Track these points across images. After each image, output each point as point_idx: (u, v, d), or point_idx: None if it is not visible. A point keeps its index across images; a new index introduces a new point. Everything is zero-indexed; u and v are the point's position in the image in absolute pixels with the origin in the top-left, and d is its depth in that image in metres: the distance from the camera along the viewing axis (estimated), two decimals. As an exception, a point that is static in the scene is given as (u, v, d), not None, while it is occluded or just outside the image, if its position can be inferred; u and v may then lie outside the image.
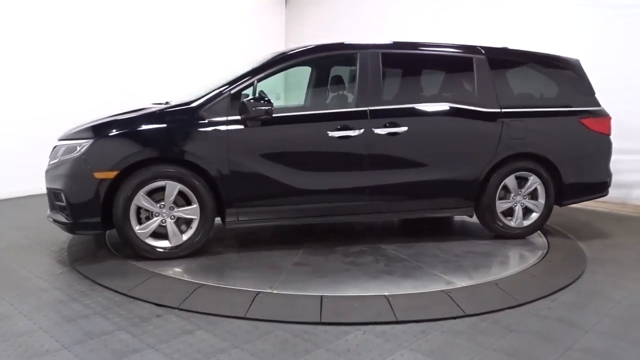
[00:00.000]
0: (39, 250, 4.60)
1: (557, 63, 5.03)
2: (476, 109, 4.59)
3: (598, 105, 5.02)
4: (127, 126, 4.16)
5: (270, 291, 3.56)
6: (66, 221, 4.13)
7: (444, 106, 4.58)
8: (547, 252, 4.53)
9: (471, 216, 4.73)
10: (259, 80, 4.31)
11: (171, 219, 4.18)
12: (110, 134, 4.11)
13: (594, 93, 5.02)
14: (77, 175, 4.03)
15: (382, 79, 4.47)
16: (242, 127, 4.18)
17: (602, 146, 4.99)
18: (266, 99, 4.12)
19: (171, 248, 4.19)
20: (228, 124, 4.17)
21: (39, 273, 4.00)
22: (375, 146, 4.37)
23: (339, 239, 4.88)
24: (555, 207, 4.94)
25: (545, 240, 4.84)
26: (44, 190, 4.37)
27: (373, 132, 4.33)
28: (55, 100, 7.29)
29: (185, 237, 4.22)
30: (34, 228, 5.34)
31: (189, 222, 4.24)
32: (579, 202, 5.18)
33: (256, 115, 4.10)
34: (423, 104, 4.61)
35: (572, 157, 4.82)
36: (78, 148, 4.06)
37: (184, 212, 4.20)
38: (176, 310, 3.33)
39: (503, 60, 4.87)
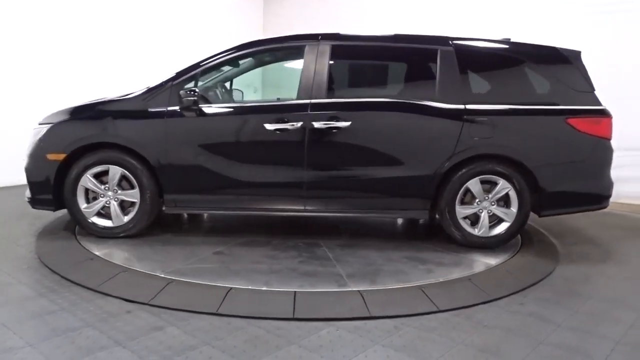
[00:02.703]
0: (4, 244, 4.47)
1: (550, 56, 4.55)
2: (432, 104, 4.31)
3: (596, 103, 4.43)
4: (78, 114, 4.56)
5: (163, 276, 3.67)
6: (29, 196, 4.59)
7: (393, 101, 4.44)
8: (520, 248, 4.58)
9: (426, 220, 4.54)
10: (203, 73, 4.54)
11: (115, 200, 4.48)
12: (63, 120, 4.51)
13: (592, 90, 4.46)
14: (35, 156, 4.50)
15: (328, 72, 4.41)
16: (180, 117, 4.36)
17: (595, 151, 4.39)
18: (194, 90, 4.25)
19: (113, 228, 4.52)
20: (168, 114, 4.35)
21: (4, 267, 3.87)
22: (315, 140, 4.32)
23: (287, 232, 4.85)
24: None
25: (519, 236, 4.83)
26: (15, 183, 4.62)
27: (312, 125, 4.29)
28: (40, 91, 7.33)
29: (126, 218, 4.51)
30: (1, 222, 5.20)
31: (135, 205, 4.51)
32: (564, 213, 4.72)
33: (187, 105, 4.29)
34: (370, 99, 4.51)
35: (553, 162, 4.34)
36: (40, 132, 4.49)
37: (126, 195, 4.49)
38: (146, 306, 3.25)
39: (477, 52, 4.57)
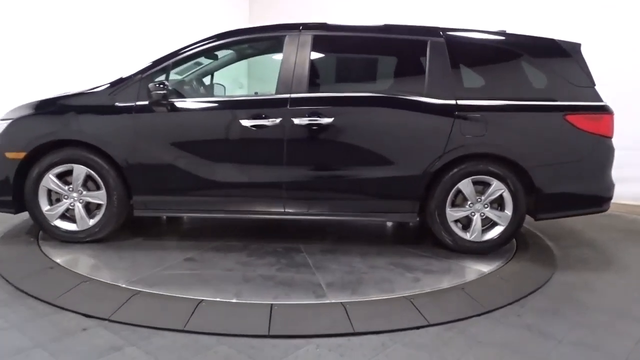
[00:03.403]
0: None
1: (548, 48, 4.25)
2: (422, 100, 4.01)
3: (597, 99, 4.13)
4: (39, 109, 4.21)
5: (127, 287, 3.31)
6: None
7: (379, 96, 4.14)
8: (515, 253, 4.30)
9: (415, 224, 4.22)
10: (176, 65, 4.25)
11: (80, 202, 4.15)
12: (23, 116, 4.17)
13: (592, 85, 4.15)
14: None
15: (310, 65, 4.09)
16: (149, 113, 4.05)
17: (596, 150, 4.12)
18: (164, 83, 3.94)
19: (77, 232, 4.18)
20: (136, 109, 4.05)
21: (-49, 279, 3.53)
22: (295, 138, 4.01)
23: (265, 236, 4.52)
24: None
25: (513, 240, 4.55)
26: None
27: (292, 122, 3.98)
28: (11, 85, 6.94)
29: (92, 222, 4.17)
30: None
31: (101, 207, 4.18)
32: (562, 216, 4.45)
33: (156, 100, 3.97)
34: (354, 94, 4.19)
35: (550, 161, 4.06)
36: (1, 128, 4.18)
37: (92, 196, 4.15)
38: (106, 322, 2.93)
39: (470, 44, 4.25)
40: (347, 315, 3.02)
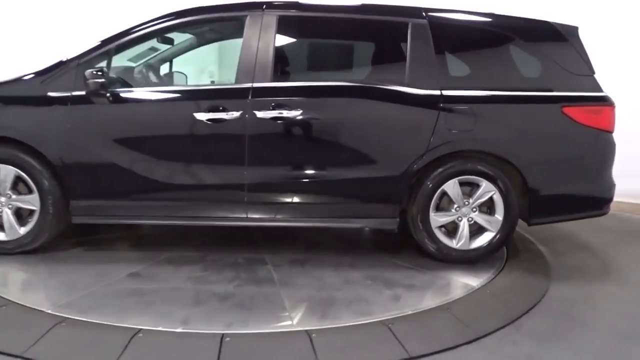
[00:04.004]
0: None
1: (542, 31, 3.80)
2: (401, 89, 3.53)
3: (597, 89, 3.69)
4: None
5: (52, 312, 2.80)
6: None
7: (353, 85, 3.64)
8: (505, 262, 3.83)
9: (395, 230, 3.70)
10: (119, 49, 3.65)
11: (9, 208, 3.59)
12: None
13: (592, 73, 3.70)
14: None
15: (274, 50, 3.56)
16: (88, 105, 3.49)
17: (596, 146, 3.69)
18: (102, 70, 3.39)
19: (5, 242, 3.61)
20: (73, 100, 3.48)
21: None
22: (258, 134, 3.50)
23: (227, 245, 3.99)
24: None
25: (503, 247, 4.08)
26: None
27: (254, 115, 3.46)
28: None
29: (23, 230, 3.60)
30: None
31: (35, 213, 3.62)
32: (558, 220, 4.00)
33: (93, 89, 3.40)
34: (325, 83, 3.67)
35: (545, 159, 3.62)
36: None
37: (22, 201, 3.60)
38: (19, 359, 2.40)
39: (456, 27, 3.76)
40: (313, 348, 2.52)
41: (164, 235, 4.18)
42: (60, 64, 3.56)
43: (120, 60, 4.09)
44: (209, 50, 5.41)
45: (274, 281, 3.32)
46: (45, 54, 4.59)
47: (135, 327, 2.65)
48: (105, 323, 2.70)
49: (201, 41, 4.63)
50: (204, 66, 6.84)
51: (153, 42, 4.71)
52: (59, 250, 3.72)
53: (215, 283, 3.26)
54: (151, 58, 4.70)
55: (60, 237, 3.78)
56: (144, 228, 4.35)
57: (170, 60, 4.83)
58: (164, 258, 3.64)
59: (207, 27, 4.27)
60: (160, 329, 2.66)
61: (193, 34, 4.57)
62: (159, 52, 4.82)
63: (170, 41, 4.43)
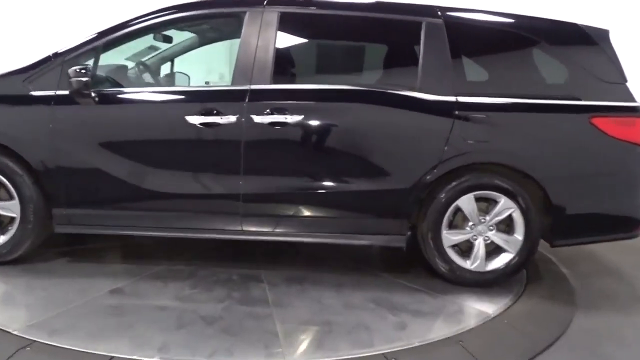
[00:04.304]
0: None
1: (569, 35, 3.45)
2: (413, 95, 3.22)
3: (629, 99, 3.31)
4: None
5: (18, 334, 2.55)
6: None
7: (360, 90, 3.36)
8: (525, 286, 3.47)
9: (403, 248, 3.39)
10: (108, 45, 3.38)
11: None
12: None
13: (624, 81, 3.32)
14: None
15: (275, 49, 3.27)
16: (73, 105, 3.23)
17: (627, 161, 3.31)
18: (86, 68, 3.12)
19: None
20: (57, 101, 3.22)
21: None
22: (255, 139, 3.21)
23: (221, 259, 3.68)
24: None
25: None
26: None
27: (251, 120, 3.18)
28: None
29: (1, 239, 3.36)
30: None
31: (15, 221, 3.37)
32: (584, 242, 3.65)
33: (76, 88, 3.13)
34: (329, 86, 3.36)
35: (571, 174, 3.27)
36: None
37: (1, 208, 3.35)
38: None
39: (474, 28, 3.43)
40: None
41: (156, 247, 3.89)
42: (44, 60, 3.31)
43: (116, 59, 3.87)
44: (219, 50, 5.15)
45: (268, 302, 3.02)
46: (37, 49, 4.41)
47: (108, 354, 2.38)
48: (75, 349, 2.43)
49: (203, 40, 4.38)
50: (213, 67, 6.60)
51: (152, 41, 4.51)
52: (41, 261, 3.46)
53: (203, 303, 2.97)
54: (150, 57, 4.48)
55: (44, 247, 3.52)
56: (136, 238, 4.04)
57: (171, 60, 4.59)
58: (152, 272, 3.36)
59: (206, 25, 4.01)
60: (135, 357, 2.38)
61: (194, 33, 4.33)
62: (158, 51, 4.61)
63: (168, 39, 4.18)
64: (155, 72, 4.25)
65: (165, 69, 4.58)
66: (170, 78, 4.37)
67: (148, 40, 4.30)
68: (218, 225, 3.37)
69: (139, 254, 3.74)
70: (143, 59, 4.38)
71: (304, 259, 3.80)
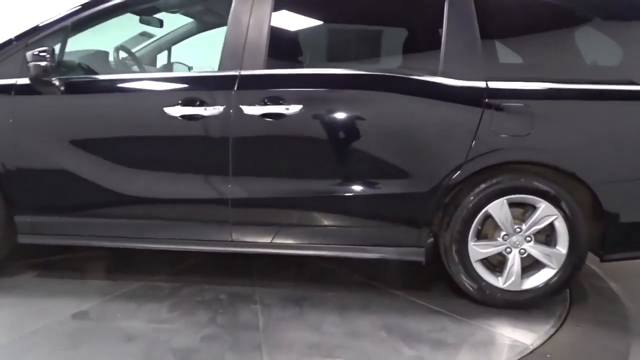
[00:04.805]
0: None
1: (628, 9, 2.85)
2: (435, 81, 2.69)
3: None
4: None
5: None
6: None
7: (370, 75, 2.82)
8: (569, 309, 2.90)
9: (422, 263, 2.85)
10: (78, 26, 2.89)
11: None
12: None
13: None
14: None
15: (270, 28, 2.76)
16: (36, 96, 2.78)
17: None
18: (46, 51, 2.63)
19: None
20: (17, 90, 2.77)
21: None
22: (245, 134, 2.72)
23: (210, 273, 3.19)
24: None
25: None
26: None
27: (241, 111, 2.68)
28: None
29: None
30: None
31: None
32: None
33: (35, 75, 2.66)
34: (332, 71, 2.87)
35: (627, 175, 2.71)
36: None
37: None
38: None
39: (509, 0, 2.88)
40: None
41: (140, 258, 3.38)
42: (5, 44, 2.86)
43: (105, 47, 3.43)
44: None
45: (258, 328, 2.53)
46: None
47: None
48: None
49: (202, 26, 3.92)
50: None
51: (144, 27, 4.08)
52: (6, 275, 3.02)
53: (179, 330, 2.48)
54: (145, 46, 4.07)
55: (12, 257, 3.09)
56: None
57: (167, 48, 4.15)
58: (127, 290, 2.89)
59: (200, 6, 3.54)
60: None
61: (190, 16, 3.88)
62: (153, 39, 4.19)
63: (157, 22, 3.73)
64: (144, 61, 3.81)
65: (162, 59, 4.17)
66: (167, 69, 3.93)
67: (140, 26, 3.89)
68: (205, 236, 2.89)
69: (119, 266, 3.26)
70: (135, 49, 3.97)
71: (305, 275, 3.27)
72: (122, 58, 3.52)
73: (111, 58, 3.35)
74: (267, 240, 2.88)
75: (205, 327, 2.52)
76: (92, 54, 3.18)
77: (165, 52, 4.17)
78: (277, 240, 2.87)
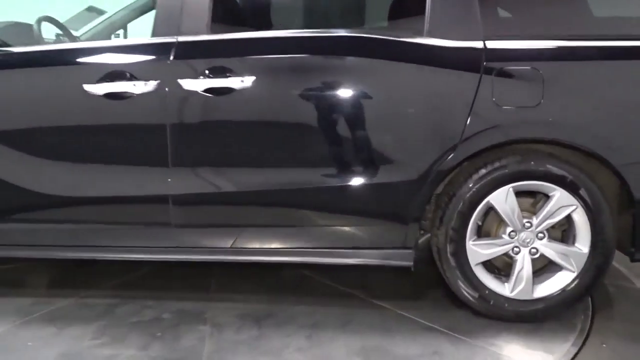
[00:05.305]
0: None
1: None
2: (420, 42, 2.17)
3: None
4: None
5: None
6: None
7: (340, 36, 2.27)
8: (592, 320, 2.36)
9: (411, 268, 2.31)
10: None
11: None
12: None
13: None
14: None
15: None
16: None
17: None
18: None
19: None
20: None
21: None
22: (187, 115, 2.19)
23: (157, 284, 2.68)
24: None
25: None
26: None
27: (179, 86, 2.15)
28: None
29: None
30: None
31: None
32: None
33: None
34: (293, 33, 2.41)
35: None
36: None
37: None
38: None
39: None
40: None
41: (80, 269, 2.84)
42: None
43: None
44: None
45: (201, 358, 2.00)
46: None
47: None
48: None
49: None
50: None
51: (90, 1, 3.59)
52: None
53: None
54: (97, 24, 3.55)
55: None
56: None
57: (122, 26, 3.62)
58: (51, 310, 2.37)
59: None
60: None
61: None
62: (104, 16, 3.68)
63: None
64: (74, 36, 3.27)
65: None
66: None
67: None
68: (143, 241, 2.37)
69: (53, 279, 2.74)
70: (83, 27, 3.45)
71: (274, 285, 2.70)
72: (57, 35, 2.99)
73: (37, 31, 2.81)
74: (221, 245, 2.35)
75: (92, 344, 2.00)
76: (10, 26, 2.66)
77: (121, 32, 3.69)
78: (233, 245, 2.34)
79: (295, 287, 2.66)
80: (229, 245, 2.35)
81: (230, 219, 2.33)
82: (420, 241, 2.38)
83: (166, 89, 2.16)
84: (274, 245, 2.38)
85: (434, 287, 2.55)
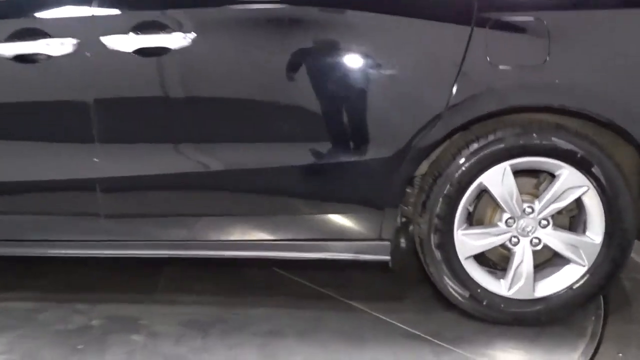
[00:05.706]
0: None
1: None
2: None
3: None
4: None
5: None
6: None
7: None
8: (604, 324, 2.01)
9: (389, 263, 1.99)
10: None
11: None
12: None
13: None
14: None
15: None
16: None
17: None
18: None
19: None
20: None
21: None
22: (113, 81, 1.82)
23: (96, 286, 2.27)
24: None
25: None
26: None
27: (103, 46, 1.78)
28: None
29: None
30: None
31: None
32: None
33: None
34: None
35: None
36: None
37: None
38: None
39: None
40: None
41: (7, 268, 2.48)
42: None
43: None
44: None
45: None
46: None
47: None
48: None
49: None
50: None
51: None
52: None
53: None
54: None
55: None
56: None
57: None
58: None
59: None
60: None
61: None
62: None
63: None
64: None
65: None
66: None
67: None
68: (66, 235, 2.00)
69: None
70: None
71: (229, 285, 2.29)
72: None
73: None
74: (161, 237, 1.99)
75: None
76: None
77: None
78: (175, 238, 1.98)
79: (257, 287, 2.27)
80: (173, 239, 1.99)
81: (172, 208, 1.96)
82: (397, 232, 2.01)
83: (88, 50, 1.77)
84: (228, 237, 2.01)
85: (418, 286, 2.17)
